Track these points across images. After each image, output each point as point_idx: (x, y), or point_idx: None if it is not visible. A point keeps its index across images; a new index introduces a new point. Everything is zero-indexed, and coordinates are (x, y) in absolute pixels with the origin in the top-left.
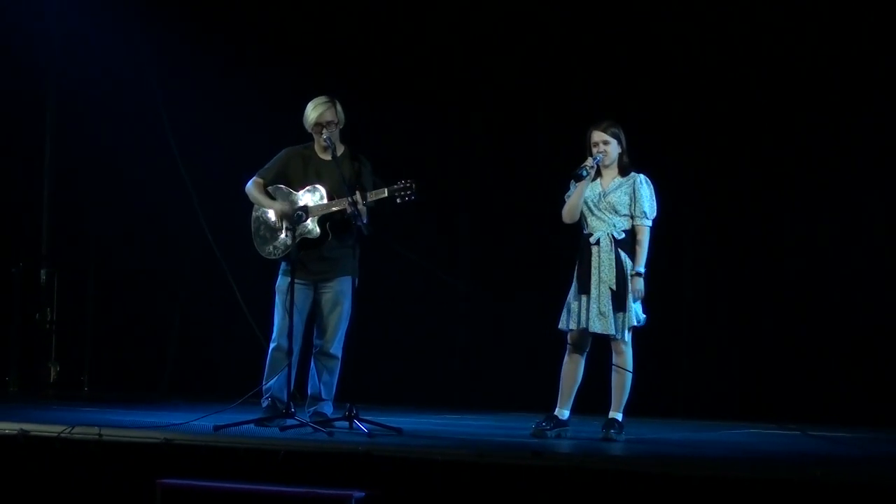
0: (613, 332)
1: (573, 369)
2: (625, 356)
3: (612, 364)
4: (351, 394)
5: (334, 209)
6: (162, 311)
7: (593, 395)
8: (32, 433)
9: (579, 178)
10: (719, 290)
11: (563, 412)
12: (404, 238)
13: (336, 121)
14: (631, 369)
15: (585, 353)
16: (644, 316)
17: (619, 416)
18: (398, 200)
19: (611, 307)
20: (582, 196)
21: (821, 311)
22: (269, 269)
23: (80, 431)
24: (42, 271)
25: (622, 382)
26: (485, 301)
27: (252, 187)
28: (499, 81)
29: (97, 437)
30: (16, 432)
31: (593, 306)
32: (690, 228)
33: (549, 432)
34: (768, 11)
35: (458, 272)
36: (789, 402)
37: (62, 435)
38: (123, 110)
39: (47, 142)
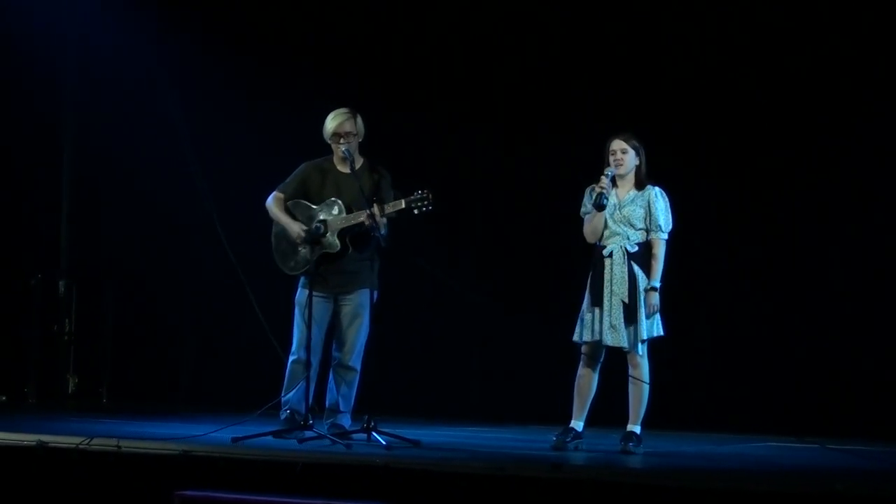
0: (626, 346)
1: (587, 381)
2: (640, 369)
3: (628, 376)
4: (369, 406)
5: (353, 222)
6: (180, 323)
7: (611, 408)
8: (51, 444)
9: (601, 208)
10: (737, 303)
11: (578, 424)
12: (420, 249)
13: (355, 132)
14: (648, 381)
15: (599, 365)
16: (662, 329)
17: (637, 429)
18: (415, 211)
19: (622, 320)
20: (604, 217)
21: (840, 322)
22: (287, 281)
23: (98, 443)
24: (60, 283)
25: (639, 395)
26: (501, 312)
27: (272, 203)
28: (512, 91)
29: (115, 448)
30: (34, 444)
31: (605, 319)
32: (708, 240)
33: (568, 444)
34: (792, 22)
35: (475, 283)
36: (809, 415)
37: (80, 446)
38: (141, 122)
39: (66, 154)
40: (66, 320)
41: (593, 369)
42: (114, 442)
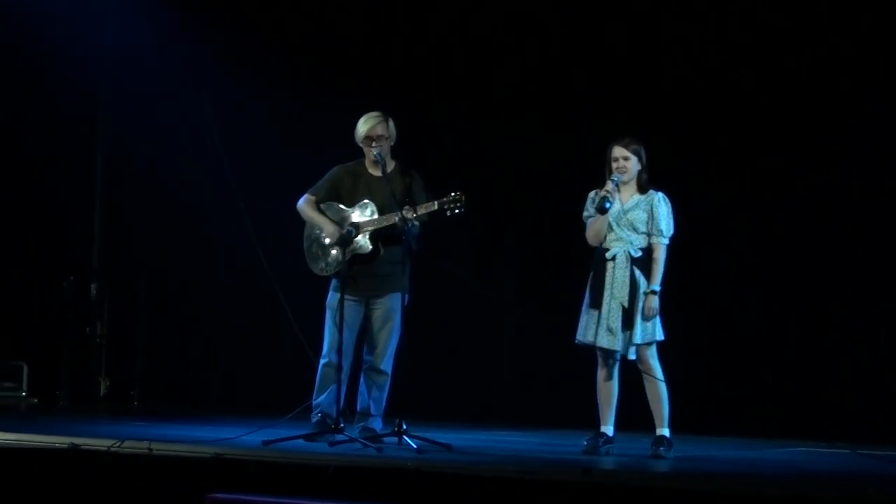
0: (620, 349)
1: (607, 385)
2: (652, 372)
3: (642, 374)
4: (400, 409)
5: (385, 224)
6: (212, 326)
7: (632, 412)
8: (83, 447)
9: (604, 211)
10: (769, 307)
11: (609, 428)
12: (449, 252)
13: (387, 136)
14: (661, 378)
15: (616, 368)
16: (662, 334)
17: (667, 433)
18: (448, 213)
19: (620, 324)
20: (607, 220)
21: (871, 325)
22: (319, 284)
23: (130, 445)
24: (92, 286)
25: (658, 395)
26: (532, 315)
27: (304, 205)
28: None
29: (147, 451)
30: (66, 446)
31: (602, 321)
32: (733, 240)
33: (601, 449)
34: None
35: (503, 286)
36: (839, 420)
37: (112, 449)
38: (174, 126)
39: (98, 157)
40: (98, 323)
41: (610, 373)
42: (145, 444)
